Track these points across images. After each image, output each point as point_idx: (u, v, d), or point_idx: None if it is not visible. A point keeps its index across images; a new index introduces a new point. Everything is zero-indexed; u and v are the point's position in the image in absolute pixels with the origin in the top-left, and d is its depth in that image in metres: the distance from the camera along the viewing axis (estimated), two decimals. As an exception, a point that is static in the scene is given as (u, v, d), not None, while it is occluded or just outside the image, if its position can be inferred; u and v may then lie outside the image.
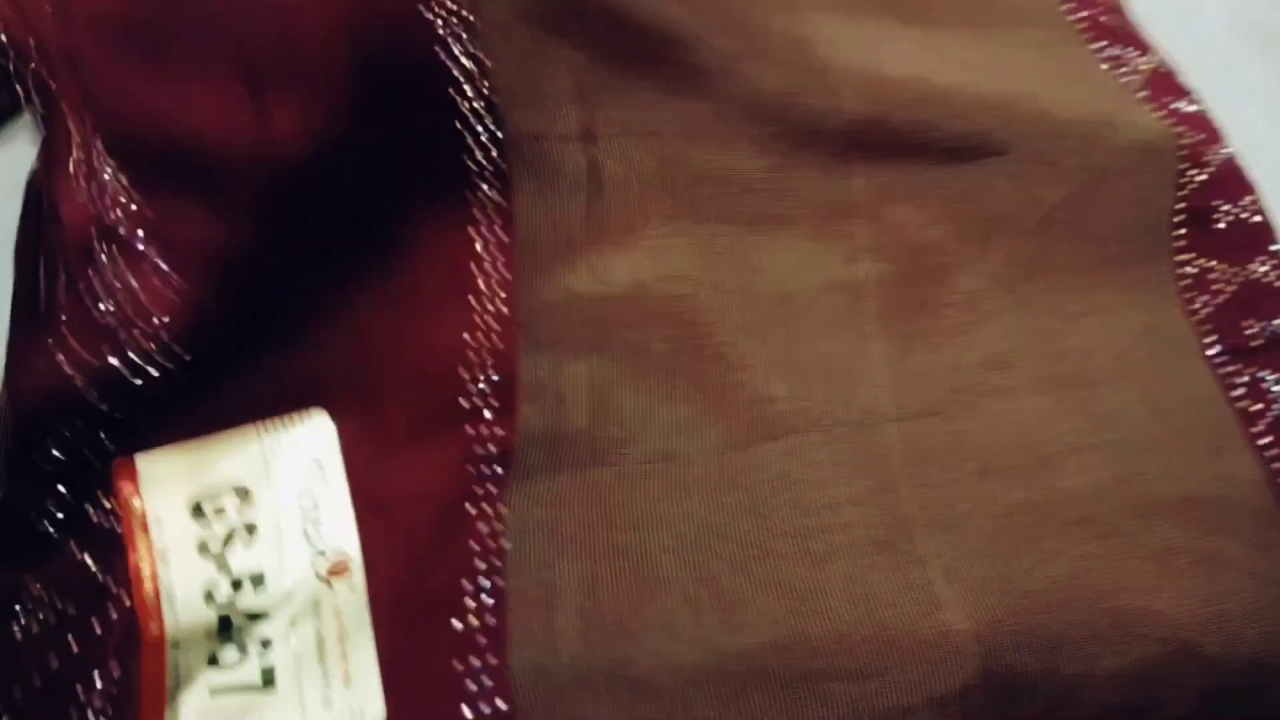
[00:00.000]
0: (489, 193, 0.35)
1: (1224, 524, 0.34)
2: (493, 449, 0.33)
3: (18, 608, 0.31)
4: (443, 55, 0.34)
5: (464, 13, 0.35)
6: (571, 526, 0.32)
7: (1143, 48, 0.43)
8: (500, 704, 0.30)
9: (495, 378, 0.34)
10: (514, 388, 0.34)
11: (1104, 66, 0.42)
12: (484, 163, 0.35)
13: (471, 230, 0.35)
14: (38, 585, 0.32)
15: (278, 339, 0.34)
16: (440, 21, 0.34)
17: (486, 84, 0.35)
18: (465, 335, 0.35)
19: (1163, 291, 0.39)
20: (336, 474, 0.33)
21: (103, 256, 0.32)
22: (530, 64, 0.36)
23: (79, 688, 0.30)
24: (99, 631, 0.31)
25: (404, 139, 0.34)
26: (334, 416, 0.34)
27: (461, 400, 0.34)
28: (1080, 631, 0.31)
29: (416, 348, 0.35)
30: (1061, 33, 0.43)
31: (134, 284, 0.32)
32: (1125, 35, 0.43)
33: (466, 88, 0.34)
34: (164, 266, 0.32)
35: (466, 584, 0.32)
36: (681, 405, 0.34)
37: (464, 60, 0.34)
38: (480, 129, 0.35)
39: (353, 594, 0.32)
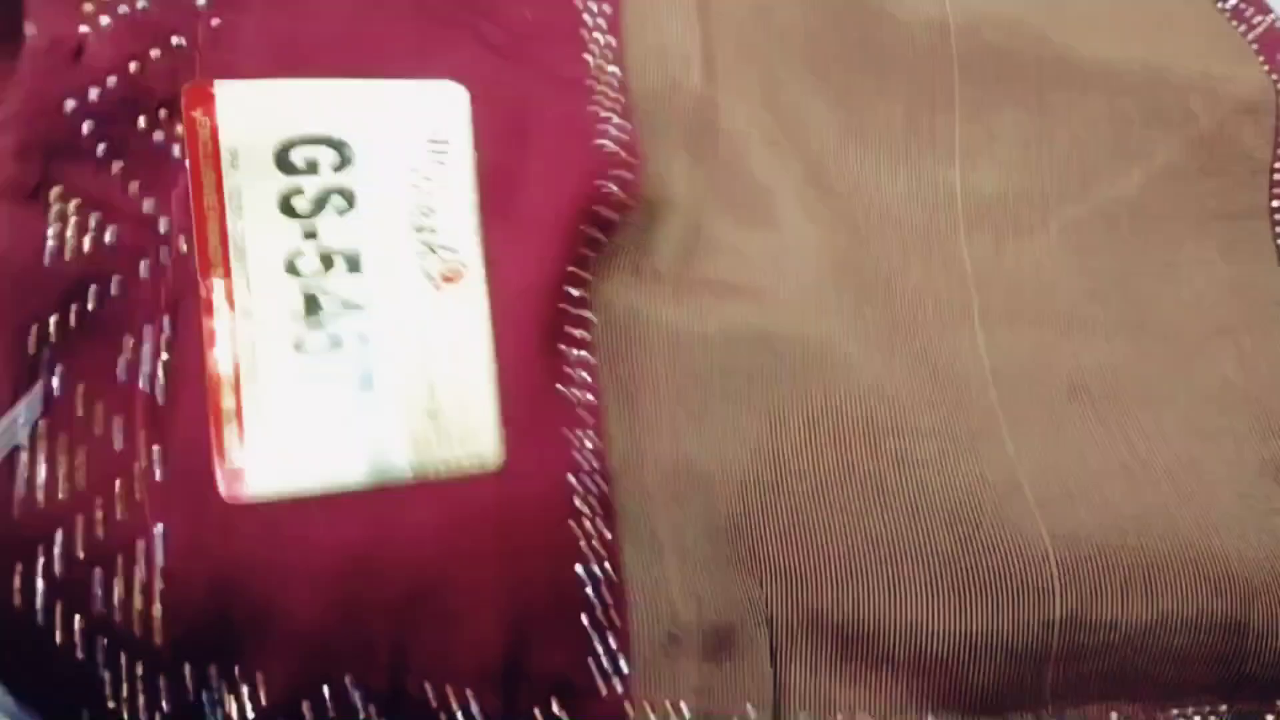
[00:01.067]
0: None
1: None
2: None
3: (46, 215, 0.24)
4: None
5: None
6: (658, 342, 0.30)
7: (1262, 7, 0.42)
8: (598, 465, 0.27)
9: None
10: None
11: (1224, 17, 0.41)
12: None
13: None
14: (72, 198, 0.24)
15: None
16: None
17: None
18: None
19: (1259, 247, 0.39)
20: (462, 158, 0.28)
21: None
22: None
23: (125, 336, 0.24)
24: (145, 276, 0.25)
25: None
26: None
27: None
28: (1158, 571, 0.31)
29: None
30: None
31: None
32: None
33: None
34: None
35: (568, 334, 0.28)
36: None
37: None
38: None
39: (467, 308, 0.27)
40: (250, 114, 0.26)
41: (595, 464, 0.27)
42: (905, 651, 0.29)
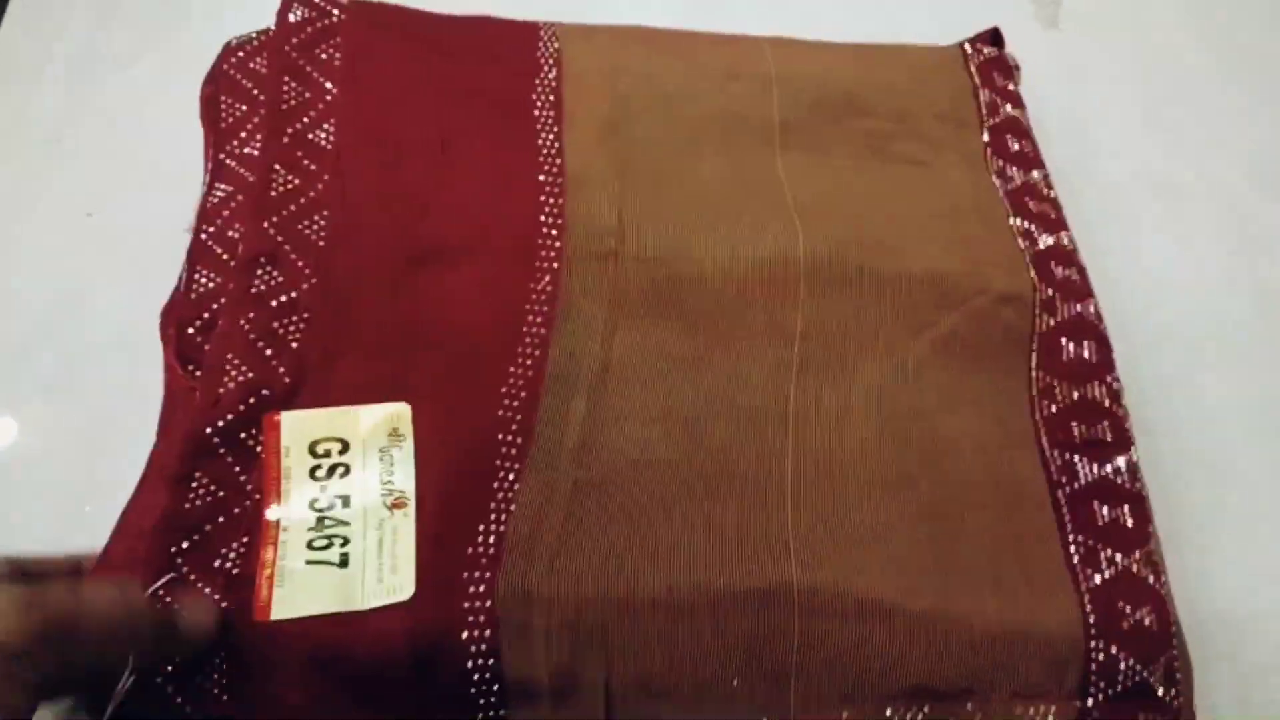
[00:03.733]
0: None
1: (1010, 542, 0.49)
2: (513, 453, 0.50)
3: (190, 488, 0.47)
4: None
5: None
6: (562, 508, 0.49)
7: (1055, 226, 0.60)
8: (489, 602, 0.46)
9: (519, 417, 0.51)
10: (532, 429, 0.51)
11: (1012, 237, 0.59)
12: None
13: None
14: (204, 476, 0.48)
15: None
16: None
17: None
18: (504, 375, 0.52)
19: (1019, 396, 0.53)
20: (408, 441, 0.50)
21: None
22: None
23: (226, 545, 0.46)
24: (236, 512, 0.48)
25: None
26: (415, 404, 0.51)
27: (497, 421, 0.51)
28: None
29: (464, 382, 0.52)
30: (990, 209, 0.61)
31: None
32: (1043, 218, 0.60)
33: None
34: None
35: (480, 526, 0.48)
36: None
37: None
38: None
39: (406, 520, 0.48)
40: (294, 430, 0.50)
41: (485, 591, 0.46)
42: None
